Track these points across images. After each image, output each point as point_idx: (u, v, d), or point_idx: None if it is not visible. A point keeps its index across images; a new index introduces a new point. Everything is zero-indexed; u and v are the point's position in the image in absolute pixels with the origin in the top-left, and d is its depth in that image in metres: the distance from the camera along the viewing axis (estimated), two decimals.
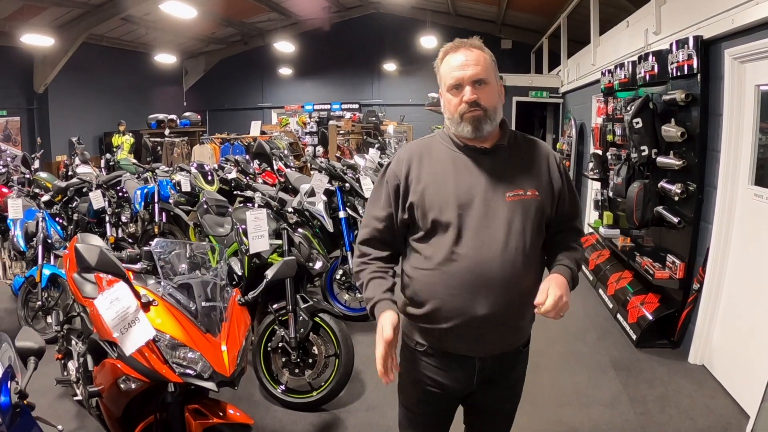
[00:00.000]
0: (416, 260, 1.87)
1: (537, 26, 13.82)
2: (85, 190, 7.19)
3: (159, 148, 13.36)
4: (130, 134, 13.70)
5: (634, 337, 4.55)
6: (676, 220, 4.31)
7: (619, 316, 4.99)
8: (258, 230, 3.33)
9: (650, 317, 4.50)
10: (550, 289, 1.71)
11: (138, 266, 2.42)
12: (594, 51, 7.59)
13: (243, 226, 3.88)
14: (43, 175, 9.53)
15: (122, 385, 2.29)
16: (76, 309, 3.64)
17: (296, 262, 3.14)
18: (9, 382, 1.64)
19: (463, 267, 1.77)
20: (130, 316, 2.11)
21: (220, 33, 17.18)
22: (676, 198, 4.25)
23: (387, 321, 1.74)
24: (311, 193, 4.52)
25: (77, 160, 11.72)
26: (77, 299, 3.52)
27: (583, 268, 6.65)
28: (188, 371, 2.14)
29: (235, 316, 2.38)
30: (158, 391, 2.35)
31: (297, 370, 3.50)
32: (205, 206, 4.90)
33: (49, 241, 5.11)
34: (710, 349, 4.05)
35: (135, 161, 9.76)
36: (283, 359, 3.52)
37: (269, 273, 2.77)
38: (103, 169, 11.19)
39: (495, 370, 1.92)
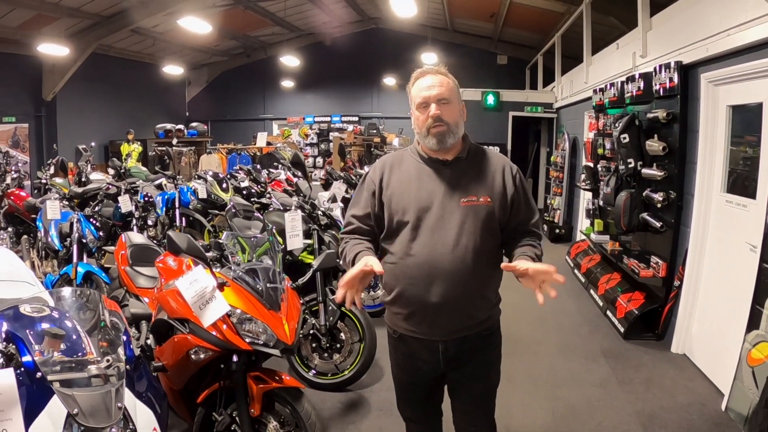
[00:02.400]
0: (385, 256, 2.20)
1: (532, 43, 14.35)
2: (100, 195, 7.65)
3: (167, 157, 13.79)
4: (139, 143, 14.13)
5: (622, 330, 5.03)
6: (658, 224, 4.82)
7: (608, 312, 5.48)
8: (294, 230, 3.80)
9: (636, 312, 5.00)
10: (520, 264, 1.95)
11: (210, 254, 2.87)
12: (586, 70, 8.12)
13: (274, 227, 4.35)
14: (58, 180, 9.95)
15: (193, 357, 2.72)
16: (128, 298, 4.08)
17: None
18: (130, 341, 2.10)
19: (419, 261, 2.08)
20: (207, 294, 2.57)
21: (223, 45, 17.64)
22: (659, 205, 4.77)
23: (371, 260, 2.00)
24: (334, 199, 5.00)
25: (89, 167, 12.15)
26: (130, 289, 3.98)
27: (575, 271, 7.14)
28: (256, 341, 2.59)
29: (290, 297, 2.84)
30: (222, 362, 2.80)
31: (326, 354, 3.96)
32: (233, 210, 5.37)
33: (84, 240, 5.54)
34: (690, 339, 4.54)
35: (159, 170, 10.19)
36: (313, 345, 3.98)
37: (315, 263, 3.24)
38: (112, 177, 11.59)
39: (459, 352, 2.18)
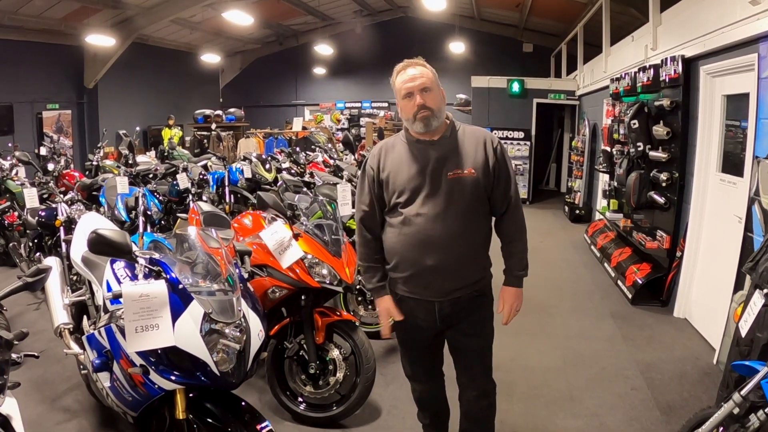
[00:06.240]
0: (387, 228, 2.50)
1: (557, 31, 14.69)
2: (158, 174, 8.41)
3: (206, 141, 14.56)
4: (179, 127, 14.92)
5: (630, 296, 5.62)
6: (662, 201, 5.39)
7: (619, 282, 6.07)
8: (345, 199, 4.48)
9: (643, 280, 5.58)
10: (505, 305, 2.55)
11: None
12: (605, 60, 8.62)
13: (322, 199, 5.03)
14: (108, 162, 10.76)
15: (270, 295, 3.40)
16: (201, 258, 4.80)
17: None
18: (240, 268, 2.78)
19: (415, 229, 2.39)
20: (285, 242, 3.25)
21: (257, 34, 18.29)
22: (664, 184, 5.35)
23: (390, 305, 2.52)
24: None
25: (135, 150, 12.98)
26: (204, 249, 4.69)
27: (592, 248, 7.72)
28: (324, 281, 3.27)
29: (348, 247, 3.53)
30: (289, 303, 3.47)
31: (370, 307, 4.64)
32: (284, 186, 6.07)
33: (149, 212, 6.28)
34: (690, 303, 5.10)
35: (209, 151, 10.84)
36: (359, 299, 4.66)
37: None
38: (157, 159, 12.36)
39: (454, 311, 2.46)
